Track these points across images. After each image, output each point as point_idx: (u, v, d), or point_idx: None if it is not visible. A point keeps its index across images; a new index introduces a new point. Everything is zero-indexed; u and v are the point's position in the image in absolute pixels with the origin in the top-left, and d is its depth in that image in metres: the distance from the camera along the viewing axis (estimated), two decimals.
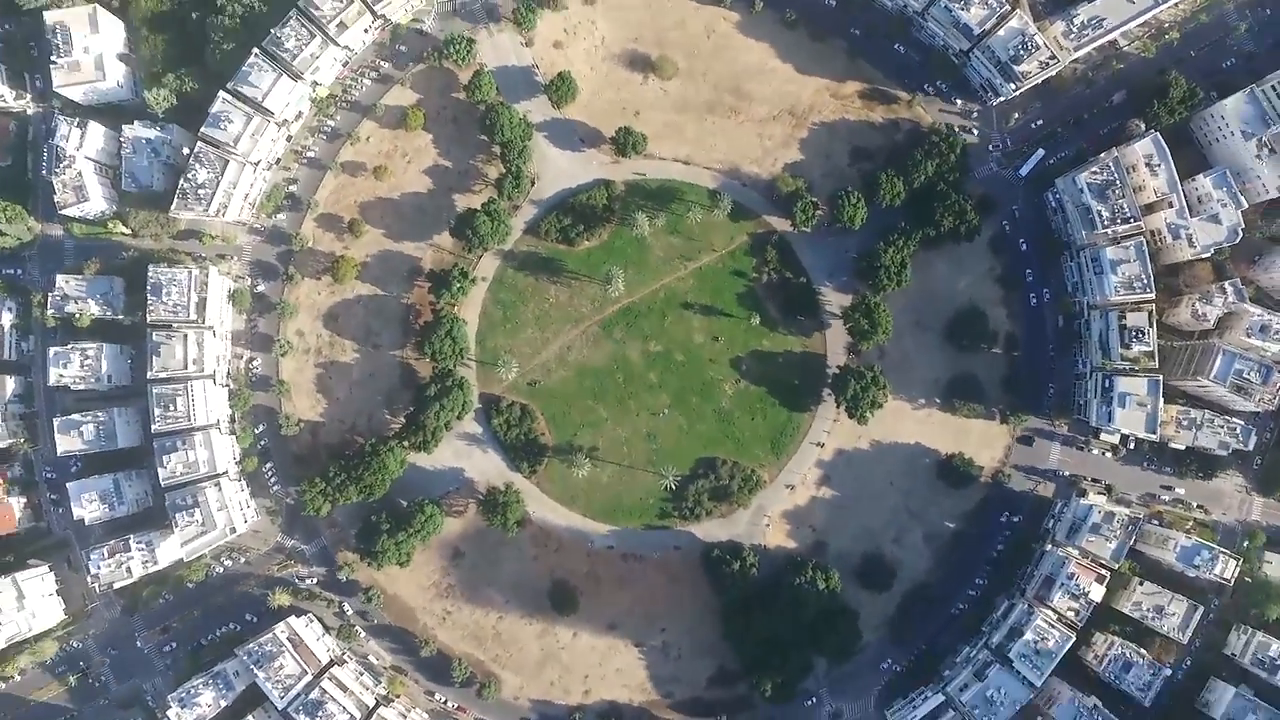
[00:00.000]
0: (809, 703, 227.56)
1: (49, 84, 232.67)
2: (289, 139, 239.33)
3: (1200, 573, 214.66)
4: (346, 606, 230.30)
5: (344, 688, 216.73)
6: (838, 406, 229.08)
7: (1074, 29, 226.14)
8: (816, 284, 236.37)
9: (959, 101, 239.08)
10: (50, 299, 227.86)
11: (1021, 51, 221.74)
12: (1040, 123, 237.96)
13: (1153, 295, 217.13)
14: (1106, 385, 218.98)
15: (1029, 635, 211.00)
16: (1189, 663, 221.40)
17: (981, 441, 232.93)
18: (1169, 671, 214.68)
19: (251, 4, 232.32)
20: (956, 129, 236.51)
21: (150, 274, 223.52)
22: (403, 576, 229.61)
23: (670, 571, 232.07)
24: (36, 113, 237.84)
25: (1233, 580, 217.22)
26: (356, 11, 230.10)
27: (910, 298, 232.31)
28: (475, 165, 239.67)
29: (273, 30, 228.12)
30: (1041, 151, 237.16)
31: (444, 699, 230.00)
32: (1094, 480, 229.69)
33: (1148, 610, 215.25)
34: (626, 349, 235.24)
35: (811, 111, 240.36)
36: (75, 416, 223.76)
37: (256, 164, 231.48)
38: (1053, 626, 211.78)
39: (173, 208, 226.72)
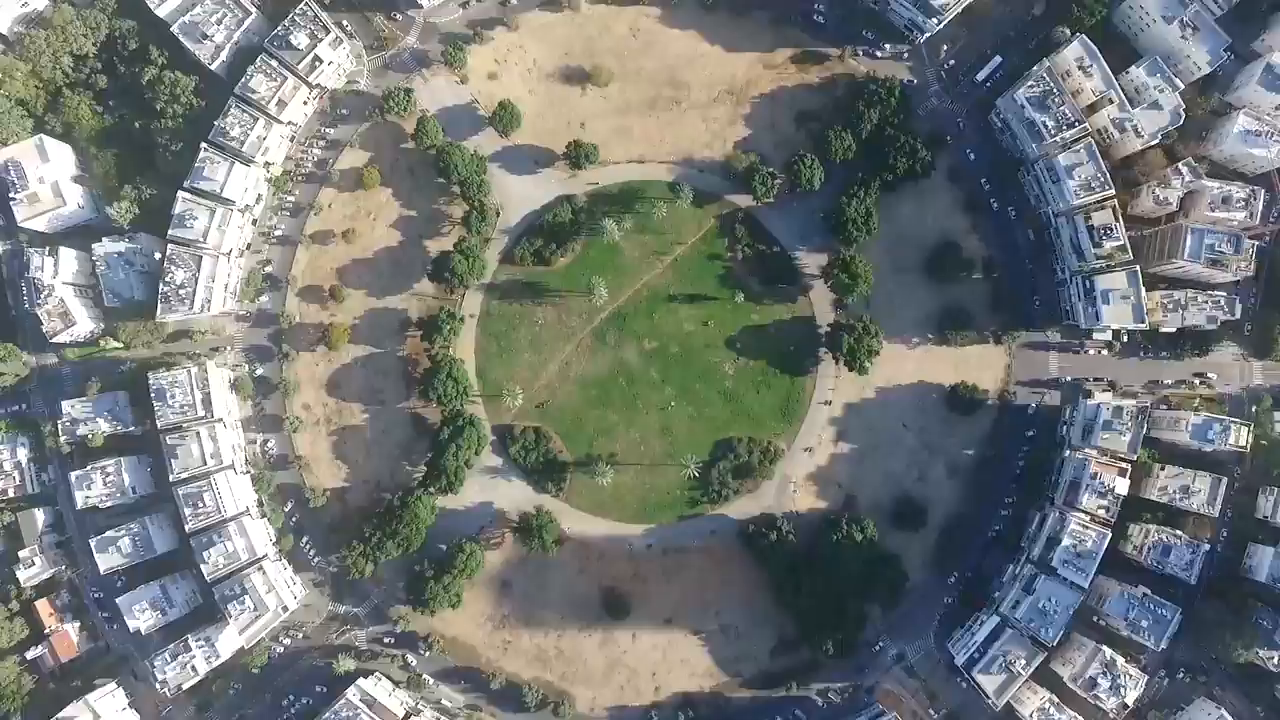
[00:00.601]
0: (875, 649, 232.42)
1: (12, 220, 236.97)
2: (254, 223, 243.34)
3: (1216, 446, 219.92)
4: (410, 658, 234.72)
5: None
6: (837, 363, 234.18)
7: None
8: (790, 250, 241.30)
9: (888, 46, 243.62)
10: (60, 426, 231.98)
11: None
12: (954, 63, 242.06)
13: (1112, 191, 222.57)
14: (1088, 286, 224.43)
15: (1067, 541, 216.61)
16: (1225, 534, 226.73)
17: (981, 366, 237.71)
18: (1207, 546, 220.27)
19: (190, 101, 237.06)
20: (891, 71, 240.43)
21: (151, 381, 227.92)
22: (457, 618, 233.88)
23: (712, 556, 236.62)
24: (6, 250, 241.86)
25: (1249, 447, 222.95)
26: (292, 87, 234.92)
27: (883, 244, 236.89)
28: (439, 209, 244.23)
29: (216, 122, 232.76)
30: (998, 58, 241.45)
31: None
32: (1096, 380, 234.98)
33: (1174, 492, 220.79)
34: (623, 352, 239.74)
35: (749, 86, 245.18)
36: (110, 533, 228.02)
37: (229, 254, 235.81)
38: (1087, 528, 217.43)
39: (159, 313, 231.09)
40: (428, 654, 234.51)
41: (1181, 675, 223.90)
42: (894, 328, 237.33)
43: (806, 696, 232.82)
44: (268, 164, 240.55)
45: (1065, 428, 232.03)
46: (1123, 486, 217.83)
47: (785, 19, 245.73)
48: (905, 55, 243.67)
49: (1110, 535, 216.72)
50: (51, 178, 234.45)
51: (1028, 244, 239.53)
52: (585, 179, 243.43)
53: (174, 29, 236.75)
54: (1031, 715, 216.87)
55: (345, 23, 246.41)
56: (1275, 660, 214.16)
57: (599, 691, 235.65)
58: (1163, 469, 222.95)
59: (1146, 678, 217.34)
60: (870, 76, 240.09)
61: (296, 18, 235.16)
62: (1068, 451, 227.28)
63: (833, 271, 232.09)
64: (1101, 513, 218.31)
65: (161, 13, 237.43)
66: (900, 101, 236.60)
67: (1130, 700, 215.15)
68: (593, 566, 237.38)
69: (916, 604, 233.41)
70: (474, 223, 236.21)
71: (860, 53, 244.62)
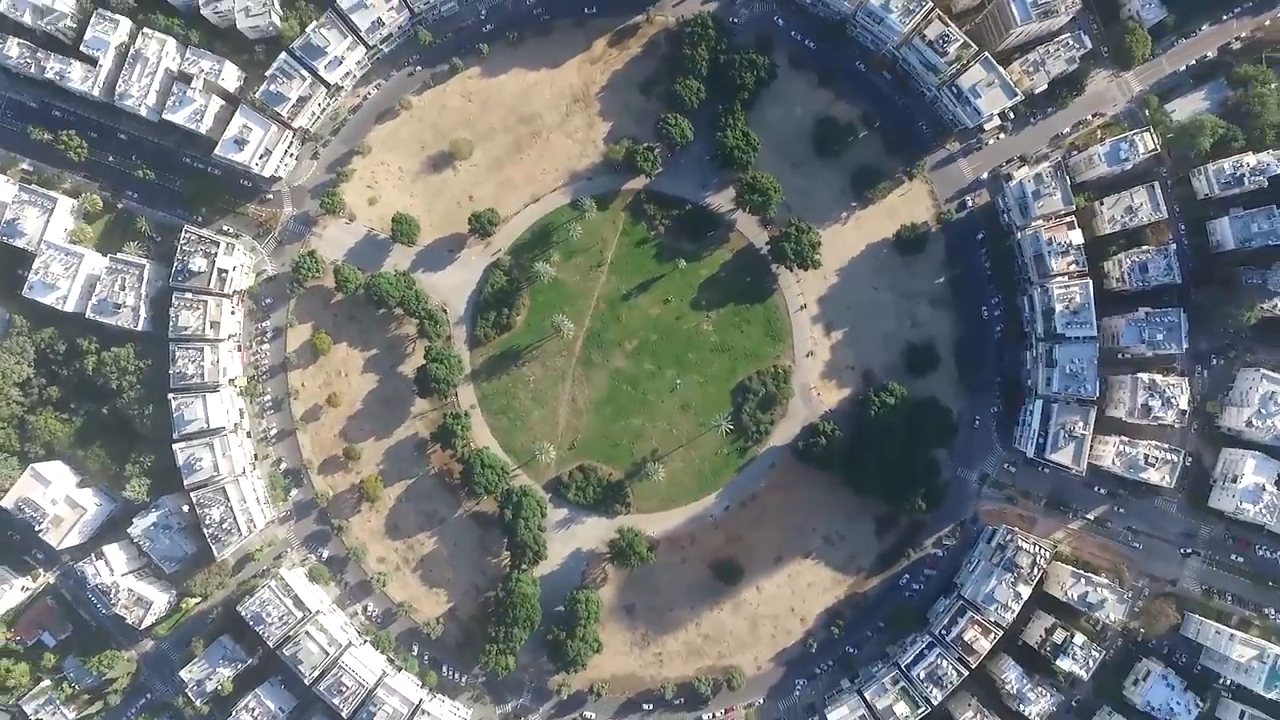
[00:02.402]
0: (960, 485, 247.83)
1: (49, 549, 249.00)
2: (249, 435, 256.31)
3: (1132, 160, 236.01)
4: (588, 713, 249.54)
5: None
6: (791, 270, 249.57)
7: None
8: (700, 201, 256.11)
9: None
10: (189, 694, 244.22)
11: None
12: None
13: (930, 3, 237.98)
14: (956, 90, 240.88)
15: (1058, 306, 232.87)
16: (1182, 227, 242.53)
17: (910, 205, 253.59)
18: (1173, 245, 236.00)
19: (137, 367, 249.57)
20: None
21: (243, 614, 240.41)
22: (606, 658, 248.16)
23: (783, 486, 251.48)
24: (59, 575, 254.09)
25: (1159, 145, 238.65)
26: (215, 305, 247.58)
27: (771, 151, 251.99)
28: (394, 334, 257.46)
29: (170, 371, 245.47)
30: None
31: (712, 714, 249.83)
32: (1009, 162, 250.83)
33: (1122, 216, 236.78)
34: (613, 364, 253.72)
35: (589, 87, 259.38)
36: None
37: (244, 472, 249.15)
38: (1069, 286, 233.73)
39: (216, 556, 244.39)
40: (600, 700, 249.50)
41: (1214, 361, 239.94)
42: (820, 214, 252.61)
43: (926, 554, 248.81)
44: (232, 380, 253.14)
45: (1005, 215, 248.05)
46: (1077, 237, 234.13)
47: (585, 16, 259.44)
48: None
49: (1090, 281, 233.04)
50: (61, 496, 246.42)
51: (887, 84, 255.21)
52: (498, 241, 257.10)
53: (88, 315, 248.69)
54: (1113, 461, 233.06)
55: (225, 227, 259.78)
56: (1278, 305, 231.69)
57: (756, 650, 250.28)
58: (1101, 203, 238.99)
59: (1186, 379, 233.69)
60: (681, 20, 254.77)
61: (185, 247, 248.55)
62: (1018, 233, 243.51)
63: (743, 197, 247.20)
64: (1073, 268, 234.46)
65: (70, 308, 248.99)
66: (716, 27, 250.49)
67: (1184, 404, 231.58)
68: (690, 552, 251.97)
69: (970, 428, 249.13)
70: (429, 330, 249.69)
71: (670, 7, 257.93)
